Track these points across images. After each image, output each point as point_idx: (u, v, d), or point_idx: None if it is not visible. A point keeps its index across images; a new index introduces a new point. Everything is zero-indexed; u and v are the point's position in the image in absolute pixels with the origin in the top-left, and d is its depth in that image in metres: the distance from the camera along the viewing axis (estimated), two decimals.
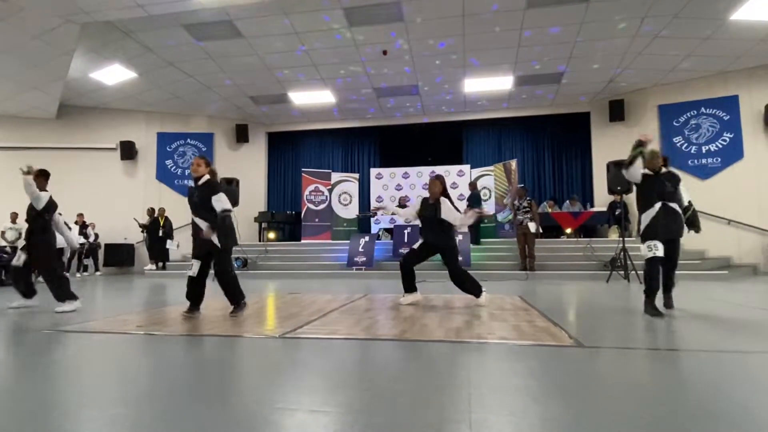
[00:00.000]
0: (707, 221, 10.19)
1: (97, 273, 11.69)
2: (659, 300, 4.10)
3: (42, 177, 4.95)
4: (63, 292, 4.52)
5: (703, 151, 10.58)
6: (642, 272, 4.52)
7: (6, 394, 2.02)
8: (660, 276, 4.08)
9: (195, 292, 4.05)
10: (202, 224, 3.89)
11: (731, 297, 5.54)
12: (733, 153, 10.31)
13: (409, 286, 4.97)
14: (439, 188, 4.82)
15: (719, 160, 10.43)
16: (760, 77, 10.04)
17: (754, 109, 10.09)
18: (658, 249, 4.00)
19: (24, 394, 2.00)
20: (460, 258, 9.18)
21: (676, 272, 4.32)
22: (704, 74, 10.41)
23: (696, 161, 10.64)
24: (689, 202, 4.36)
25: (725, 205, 10.07)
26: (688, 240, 9.72)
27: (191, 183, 4.15)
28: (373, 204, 12.60)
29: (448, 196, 4.87)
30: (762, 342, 2.98)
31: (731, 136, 10.32)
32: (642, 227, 4.17)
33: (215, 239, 3.88)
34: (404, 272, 4.95)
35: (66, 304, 4.48)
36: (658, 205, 4.05)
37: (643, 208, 4.19)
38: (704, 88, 10.56)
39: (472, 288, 4.70)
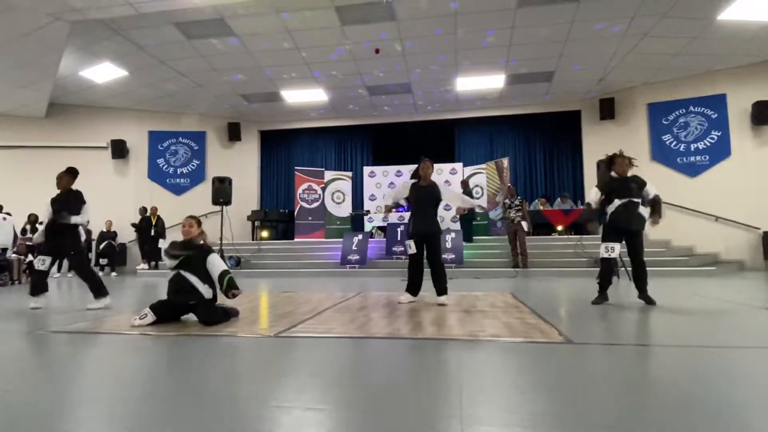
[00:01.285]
0: (695, 218, 10.39)
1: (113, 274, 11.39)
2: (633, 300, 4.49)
3: (71, 176, 5.01)
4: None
5: (692, 149, 10.72)
6: (629, 269, 4.70)
7: (4, 394, 2.03)
8: (612, 274, 4.61)
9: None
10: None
11: (718, 293, 5.63)
12: (720, 151, 10.45)
13: (415, 290, 4.88)
14: (432, 171, 4.82)
15: (707, 157, 10.57)
16: (747, 76, 10.17)
17: (741, 107, 10.22)
18: (614, 251, 4.43)
19: (21, 394, 2.01)
20: (453, 255, 9.37)
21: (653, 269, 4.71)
22: (692, 73, 10.53)
23: (684, 159, 10.77)
24: (656, 195, 4.49)
25: (713, 202, 10.22)
26: (676, 236, 9.94)
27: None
28: (366, 203, 12.63)
29: None
30: (742, 338, 3.05)
31: (719, 134, 10.46)
32: (607, 218, 4.49)
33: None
34: (412, 277, 4.88)
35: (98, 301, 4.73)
36: (621, 201, 4.38)
37: (607, 203, 4.52)
38: (692, 87, 10.68)
39: (444, 284, 4.66)
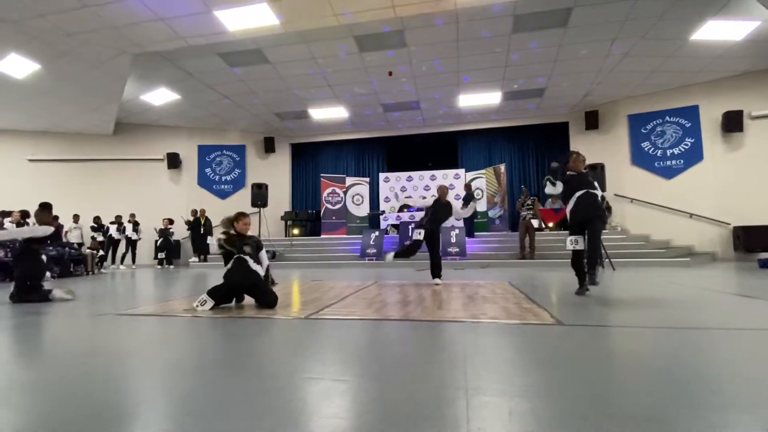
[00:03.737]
0: (671, 215, 10.15)
1: (133, 266, 11.26)
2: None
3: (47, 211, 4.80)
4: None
5: (668, 154, 10.47)
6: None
7: (79, 367, 2.09)
8: (583, 265, 4.12)
9: None
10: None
11: (693, 281, 5.49)
12: (693, 155, 10.19)
13: (404, 256, 5.62)
14: (447, 193, 5.69)
15: (682, 161, 10.31)
16: (717, 89, 9.90)
17: (712, 116, 9.96)
18: (579, 243, 4.11)
19: (91, 367, 2.07)
20: (457, 249, 9.32)
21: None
22: (668, 87, 10.28)
23: (661, 163, 10.53)
24: (602, 196, 4.25)
25: (687, 201, 9.98)
26: (654, 232, 9.73)
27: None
28: (382, 204, 12.63)
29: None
30: (712, 319, 2.97)
31: (692, 140, 10.19)
32: (568, 212, 4.20)
33: None
34: (409, 249, 5.55)
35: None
36: (580, 192, 4.09)
37: (568, 197, 4.17)
38: (668, 99, 10.43)
39: (439, 271, 5.39)
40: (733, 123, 9.67)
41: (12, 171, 12.34)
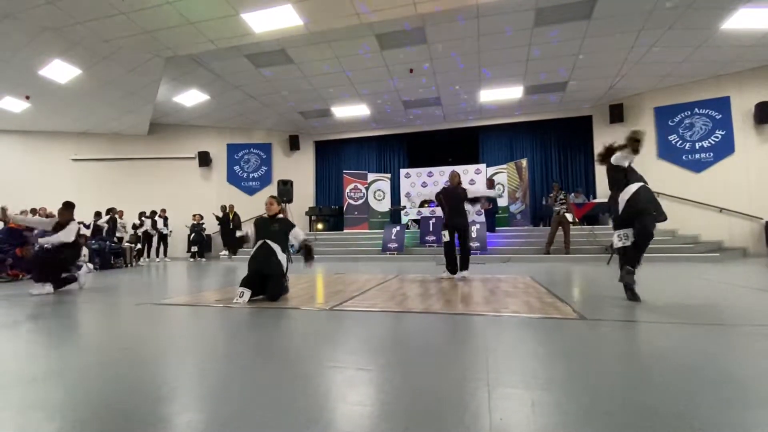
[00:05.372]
0: (700, 209, 9.73)
1: (166, 259, 11.61)
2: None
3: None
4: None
5: (696, 147, 10.01)
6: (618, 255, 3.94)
7: (119, 352, 2.19)
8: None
9: None
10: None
11: (721, 277, 5.26)
12: (724, 148, 9.70)
13: (453, 269, 5.45)
14: (459, 177, 5.58)
15: (711, 154, 9.84)
16: (750, 79, 9.37)
17: (744, 108, 9.44)
18: (629, 238, 3.42)
19: (131, 353, 2.17)
20: (478, 243, 9.22)
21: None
22: (697, 78, 9.80)
23: (690, 156, 10.08)
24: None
25: (717, 195, 9.53)
26: (683, 226, 9.34)
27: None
28: (403, 199, 12.62)
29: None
30: (740, 316, 2.84)
31: (723, 133, 9.70)
32: (623, 202, 3.44)
33: None
34: (449, 259, 5.45)
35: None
36: (639, 184, 3.44)
37: (622, 184, 3.51)
38: (697, 91, 9.95)
39: (467, 263, 5.40)
40: (766, 114, 9.15)
41: (57, 170, 12.96)
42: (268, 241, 3.85)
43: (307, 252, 4.00)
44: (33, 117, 11.48)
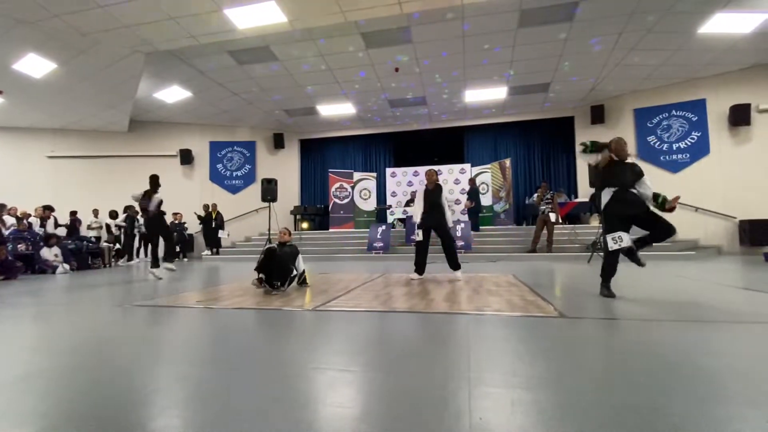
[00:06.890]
0: (677, 209, 9.92)
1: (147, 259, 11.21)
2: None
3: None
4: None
5: (674, 148, 10.29)
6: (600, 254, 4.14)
7: (95, 356, 2.12)
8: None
9: None
10: None
11: (697, 274, 5.42)
12: (700, 149, 10.00)
13: (421, 269, 5.27)
14: (435, 176, 5.29)
15: (688, 155, 10.13)
16: (725, 82, 9.68)
17: (719, 110, 9.75)
18: (624, 241, 3.45)
19: (108, 356, 2.10)
20: (462, 243, 9.28)
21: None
22: (675, 81, 10.07)
23: (667, 157, 10.35)
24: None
25: (693, 195, 9.80)
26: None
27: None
28: (389, 199, 12.63)
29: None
30: (714, 312, 2.93)
31: (699, 134, 10.00)
32: (604, 203, 3.56)
33: None
34: (418, 259, 5.24)
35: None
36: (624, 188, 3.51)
37: (607, 185, 3.65)
38: (675, 93, 10.23)
39: (456, 263, 5.12)
40: (740, 117, 9.46)
41: (32, 167, 12.54)
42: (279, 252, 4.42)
43: (304, 281, 4.61)
44: (7, 112, 11.08)
